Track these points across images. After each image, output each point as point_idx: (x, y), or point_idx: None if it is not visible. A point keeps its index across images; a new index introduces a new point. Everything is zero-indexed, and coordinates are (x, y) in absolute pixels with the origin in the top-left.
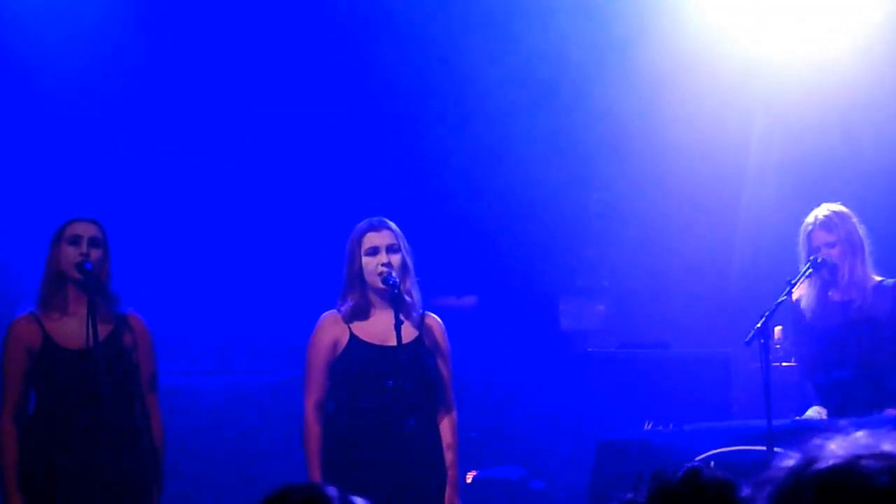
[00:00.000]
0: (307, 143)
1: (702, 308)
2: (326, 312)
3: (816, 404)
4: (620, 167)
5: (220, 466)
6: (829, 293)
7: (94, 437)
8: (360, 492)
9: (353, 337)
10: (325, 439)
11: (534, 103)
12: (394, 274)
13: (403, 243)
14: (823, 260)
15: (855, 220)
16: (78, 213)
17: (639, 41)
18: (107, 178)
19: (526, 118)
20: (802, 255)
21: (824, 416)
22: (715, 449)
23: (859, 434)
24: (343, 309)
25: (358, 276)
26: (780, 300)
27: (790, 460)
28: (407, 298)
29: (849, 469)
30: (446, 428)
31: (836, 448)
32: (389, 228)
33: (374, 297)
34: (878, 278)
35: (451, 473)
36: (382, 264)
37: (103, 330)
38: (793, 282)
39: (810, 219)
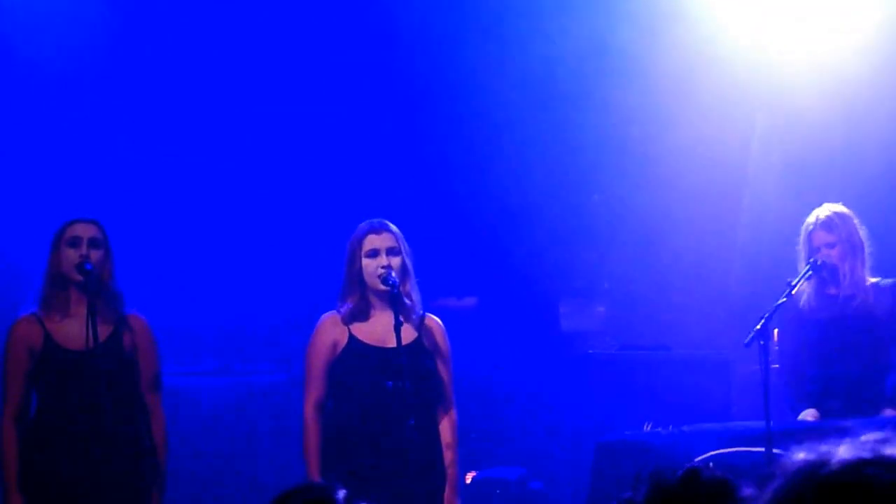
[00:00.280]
0: (308, 145)
1: (702, 310)
2: (326, 314)
3: (803, 403)
4: (620, 169)
5: (220, 468)
6: (829, 289)
7: (94, 438)
8: (359, 493)
9: (352, 338)
10: (325, 440)
11: (534, 105)
12: (393, 274)
13: (404, 246)
14: (823, 262)
15: (856, 221)
16: (80, 214)
17: (639, 42)
18: (107, 179)
19: (526, 120)
20: (802, 254)
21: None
22: (714, 451)
23: (864, 438)
24: (343, 310)
25: (358, 277)
26: (779, 302)
27: (793, 462)
28: (406, 301)
29: (853, 474)
30: (446, 428)
31: (840, 452)
32: (390, 231)
33: (373, 299)
34: (875, 279)
35: (450, 473)
36: (382, 266)
37: (104, 331)
38: (792, 283)
39: (811, 219)
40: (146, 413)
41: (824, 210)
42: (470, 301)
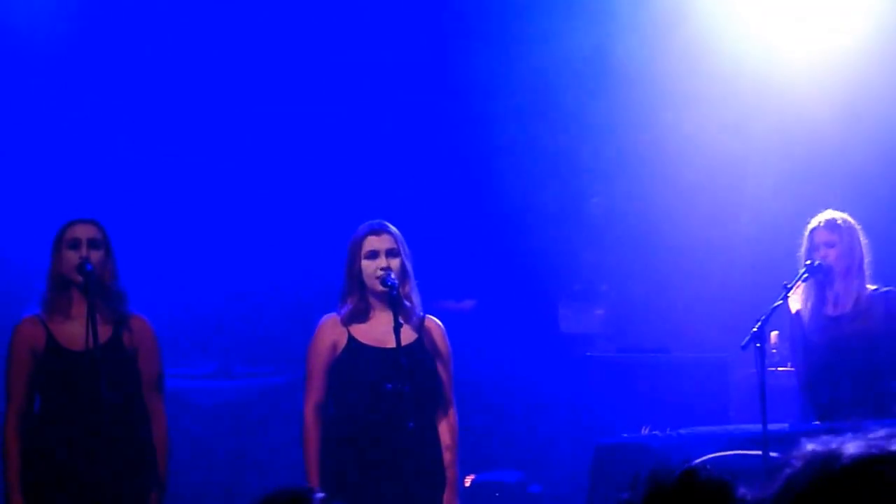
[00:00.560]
0: (309, 146)
1: (700, 313)
2: (326, 315)
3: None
4: (619, 172)
5: (220, 470)
6: (825, 308)
7: (95, 439)
8: (359, 494)
9: (351, 339)
10: (324, 442)
11: (533, 108)
12: (392, 276)
13: (403, 247)
14: (819, 264)
15: (860, 231)
16: (81, 214)
17: (638, 45)
18: (108, 180)
19: (525, 123)
20: (804, 255)
21: None
22: (712, 453)
23: (873, 435)
24: (342, 311)
25: (357, 279)
26: (775, 304)
27: (804, 455)
28: (406, 303)
29: (864, 469)
30: (445, 429)
31: (850, 447)
32: (390, 232)
33: (373, 300)
34: (873, 287)
35: (449, 474)
36: (381, 268)
37: (105, 331)
38: (788, 286)
39: (816, 219)
40: (147, 414)
41: (830, 213)
42: (468, 303)
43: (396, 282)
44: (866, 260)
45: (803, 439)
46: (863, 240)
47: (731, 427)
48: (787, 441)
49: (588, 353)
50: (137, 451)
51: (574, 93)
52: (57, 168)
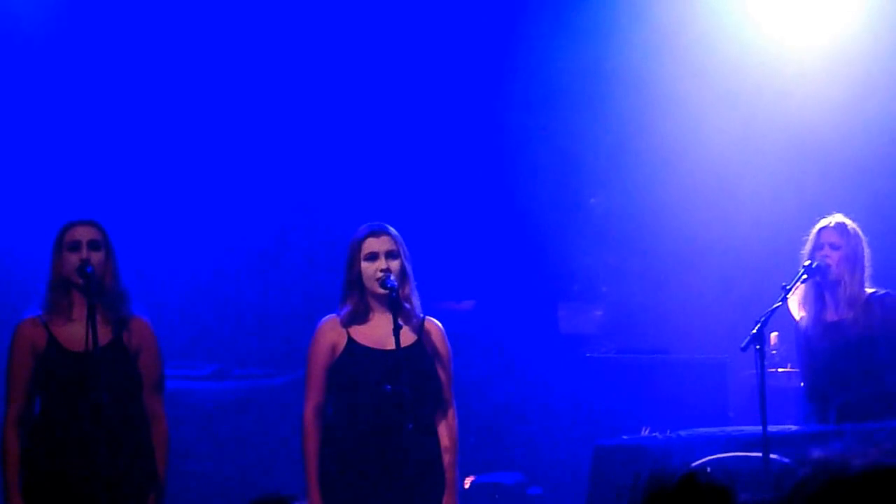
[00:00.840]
0: (309, 147)
1: (699, 314)
2: (326, 317)
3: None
4: (618, 172)
5: (220, 471)
6: (824, 313)
7: (94, 441)
8: (358, 496)
9: (350, 341)
10: (324, 443)
11: (533, 110)
12: (392, 278)
13: (403, 249)
14: (818, 265)
15: (864, 239)
16: (81, 214)
17: (637, 45)
18: (108, 180)
19: (525, 124)
20: (806, 253)
21: None
22: (711, 455)
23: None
24: (342, 313)
25: (357, 280)
26: (774, 306)
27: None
28: (406, 304)
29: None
30: (445, 431)
31: (861, 455)
32: (389, 234)
33: (372, 302)
34: (871, 290)
35: (448, 475)
36: (381, 270)
37: (106, 333)
38: (787, 287)
39: (826, 219)
40: (147, 415)
41: (841, 217)
42: (468, 304)
43: (396, 284)
44: (867, 271)
45: (810, 445)
46: (866, 250)
47: (730, 428)
48: (788, 443)
49: (587, 354)
50: (137, 452)
51: (574, 94)
52: (57, 168)
